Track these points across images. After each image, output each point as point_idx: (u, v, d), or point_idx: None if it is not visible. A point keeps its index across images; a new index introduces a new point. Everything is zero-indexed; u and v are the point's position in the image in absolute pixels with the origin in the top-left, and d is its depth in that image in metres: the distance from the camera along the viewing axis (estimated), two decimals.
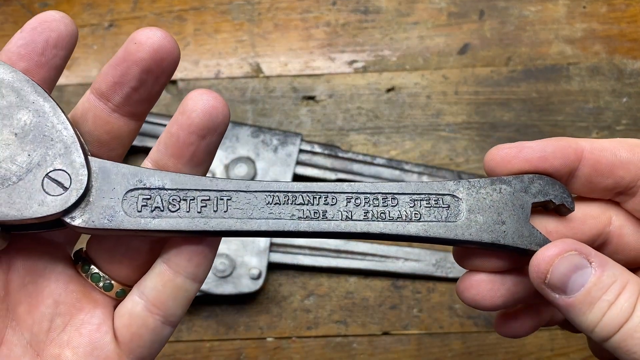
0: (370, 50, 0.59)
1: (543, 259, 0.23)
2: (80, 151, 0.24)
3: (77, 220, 0.24)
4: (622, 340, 0.22)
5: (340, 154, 0.53)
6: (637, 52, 0.58)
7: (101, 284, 0.26)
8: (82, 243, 0.28)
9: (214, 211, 0.24)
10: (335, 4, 0.60)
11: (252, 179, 0.52)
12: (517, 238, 0.25)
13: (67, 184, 0.24)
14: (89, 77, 0.58)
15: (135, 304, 0.26)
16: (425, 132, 0.56)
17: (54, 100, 0.24)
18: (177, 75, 0.58)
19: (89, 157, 0.24)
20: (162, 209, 0.24)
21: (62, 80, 0.58)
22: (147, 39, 0.24)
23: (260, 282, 0.49)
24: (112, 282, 0.26)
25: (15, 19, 0.60)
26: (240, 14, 0.60)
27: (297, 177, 0.53)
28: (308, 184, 0.25)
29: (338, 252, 0.51)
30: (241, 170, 0.52)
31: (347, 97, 0.57)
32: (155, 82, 0.25)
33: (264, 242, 0.50)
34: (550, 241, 0.25)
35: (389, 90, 0.57)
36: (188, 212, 0.24)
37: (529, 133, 0.55)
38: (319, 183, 0.25)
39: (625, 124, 0.56)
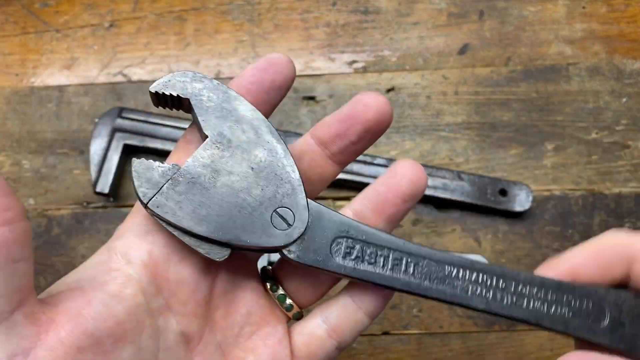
0: (370, 50, 0.59)
1: None
2: (304, 194, 0.27)
3: (293, 254, 0.27)
4: None
5: None
6: (637, 52, 0.58)
7: (285, 304, 0.30)
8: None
9: (403, 271, 0.27)
10: (335, 5, 0.60)
11: None
12: None
13: (291, 221, 0.27)
14: (89, 77, 0.58)
15: (318, 326, 0.29)
16: (425, 132, 0.56)
17: (284, 142, 0.27)
18: None
19: (308, 200, 0.27)
20: (362, 259, 0.27)
21: (62, 80, 0.58)
22: (375, 103, 0.28)
23: None
24: (293, 303, 0.30)
25: (16, 19, 0.60)
26: (240, 14, 0.60)
27: None
28: (489, 266, 0.28)
29: None
30: None
31: (347, 97, 0.57)
32: (371, 139, 0.29)
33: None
34: None
35: (389, 90, 0.57)
36: (382, 266, 0.27)
37: (528, 133, 0.56)
38: (497, 268, 0.27)
39: (624, 124, 0.56)
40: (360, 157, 0.54)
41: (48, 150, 0.56)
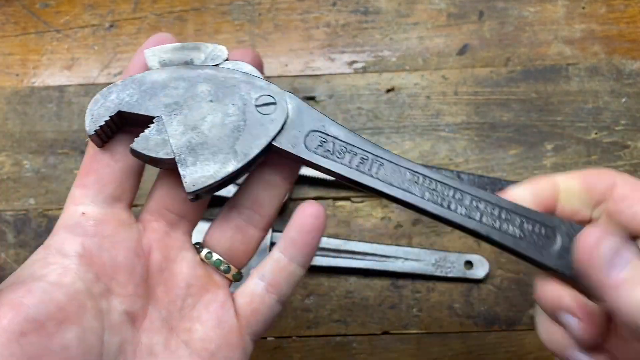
0: (370, 50, 0.59)
1: (592, 235, 0.25)
2: (278, 87, 0.31)
3: (276, 141, 0.30)
4: None
5: None
6: (636, 52, 0.58)
7: (222, 268, 0.32)
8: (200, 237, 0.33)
9: (368, 169, 0.30)
10: (335, 5, 0.60)
11: None
12: None
13: (274, 108, 0.30)
14: (90, 78, 0.58)
15: (256, 285, 0.31)
16: (424, 132, 0.56)
17: (211, 67, 0.31)
18: None
19: (289, 94, 0.31)
20: (331, 152, 0.30)
21: (62, 81, 0.58)
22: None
23: None
24: (230, 265, 0.32)
25: (17, 20, 0.60)
26: (240, 15, 0.60)
27: (298, 177, 0.53)
28: (446, 177, 0.30)
29: (338, 251, 0.51)
30: None
31: (347, 97, 0.57)
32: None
33: (264, 242, 0.50)
34: None
35: (388, 90, 0.58)
36: (349, 163, 0.30)
37: (528, 133, 0.56)
38: (454, 181, 0.30)
39: (624, 124, 0.56)
40: None
41: (49, 151, 0.56)
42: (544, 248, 0.29)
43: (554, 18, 0.59)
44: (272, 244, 0.51)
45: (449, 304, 0.52)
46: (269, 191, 0.32)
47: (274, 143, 0.29)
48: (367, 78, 0.58)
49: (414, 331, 0.51)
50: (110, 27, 0.60)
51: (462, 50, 0.59)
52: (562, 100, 0.57)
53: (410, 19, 0.60)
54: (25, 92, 0.58)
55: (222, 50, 0.32)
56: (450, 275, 0.51)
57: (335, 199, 0.54)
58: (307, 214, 0.30)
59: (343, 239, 0.52)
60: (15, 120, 0.57)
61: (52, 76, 0.59)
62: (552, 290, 0.28)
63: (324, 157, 0.30)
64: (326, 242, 0.51)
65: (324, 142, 0.30)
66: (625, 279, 0.24)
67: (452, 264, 0.52)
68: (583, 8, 0.60)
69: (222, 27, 0.60)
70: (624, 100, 0.57)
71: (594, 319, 0.27)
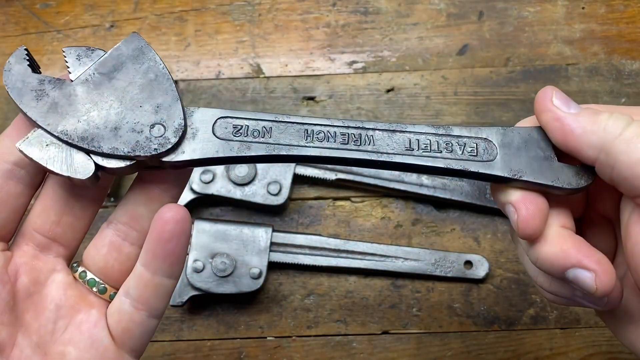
0: (370, 51, 0.59)
1: (547, 88, 0.29)
2: (179, 102, 0.29)
3: (182, 156, 0.29)
4: (631, 138, 0.26)
5: None
6: (636, 52, 0.58)
7: (95, 289, 0.30)
8: (78, 257, 0.31)
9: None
10: (335, 5, 0.61)
11: (253, 178, 0.52)
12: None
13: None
14: None
15: (122, 302, 0.29)
16: None
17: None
18: (178, 75, 0.58)
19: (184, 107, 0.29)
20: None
21: None
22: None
23: (261, 281, 0.50)
24: (106, 286, 0.30)
25: (17, 20, 0.60)
26: (240, 15, 0.60)
27: (297, 177, 0.53)
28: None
29: (338, 251, 0.51)
30: (242, 170, 0.52)
31: (347, 97, 0.57)
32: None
33: (264, 241, 0.50)
34: None
35: (388, 90, 0.58)
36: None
37: None
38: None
39: None
40: None
41: None
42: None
43: (553, 18, 0.59)
44: (272, 243, 0.51)
45: (448, 304, 0.52)
46: (149, 206, 0.30)
47: (179, 159, 0.28)
48: (367, 78, 0.58)
49: (414, 331, 0.51)
50: (110, 28, 0.60)
51: (462, 51, 0.59)
52: None
53: (410, 19, 0.60)
54: None
55: None
56: (449, 275, 0.51)
57: (335, 199, 0.55)
58: (165, 220, 0.28)
59: (343, 239, 0.52)
60: None
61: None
62: (555, 247, 0.28)
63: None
64: (326, 242, 0.51)
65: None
66: (581, 114, 0.28)
67: (451, 264, 0.52)
68: (583, 8, 0.60)
69: (222, 27, 0.60)
70: (623, 100, 0.57)
71: (608, 269, 0.26)
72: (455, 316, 0.51)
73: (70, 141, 0.27)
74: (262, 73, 0.58)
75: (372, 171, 0.53)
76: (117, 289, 0.30)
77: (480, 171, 0.29)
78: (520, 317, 0.51)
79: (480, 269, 0.51)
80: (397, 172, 0.54)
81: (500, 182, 0.29)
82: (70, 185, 0.29)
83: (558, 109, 0.28)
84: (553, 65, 0.58)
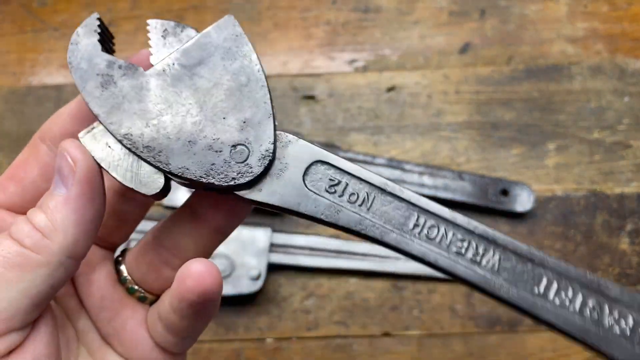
0: (370, 49, 0.58)
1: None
2: (272, 125, 0.23)
3: (258, 195, 0.23)
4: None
5: (340, 154, 0.53)
6: (639, 51, 0.57)
7: (135, 296, 0.28)
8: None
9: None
10: (335, 3, 0.60)
11: None
12: None
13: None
14: None
15: (155, 323, 0.27)
16: (425, 131, 0.56)
17: None
18: None
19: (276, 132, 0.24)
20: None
21: (60, 80, 0.58)
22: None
23: (260, 282, 0.49)
24: (146, 295, 0.28)
25: (14, 18, 0.60)
26: (240, 13, 0.60)
27: None
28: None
29: (338, 252, 0.51)
30: None
31: (347, 96, 0.57)
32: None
33: (263, 242, 0.50)
34: None
35: (389, 89, 0.57)
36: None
37: (530, 133, 0.55)
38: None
39: (627, 123, 0.55)
40: (361, 157, 0.53)
41: None
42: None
43: (556, 16, 0.59)
44: (272, 244, 0.50)
45: (450, 305, 0.51)
46: (194, 239, 0.27)
47: (254, 198, 0.23)
48: (367, 77, 0.57)
49: (415, 333, 0.51)
50: (108, 25, 0.59)
51: (464, 49, 0.58)
52: (564, 99, 0.56)
53: (411, 17, 0.59)
54: (23, 91, 0.57)
55: None
56: None
57: None
58: (186, 288, 0.24)
59: (343, 240, 0.51)
60: (12, 119, 0.57)
61: (49, 75, 0.58)
62: None
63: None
64: (326, 242, 0.51)
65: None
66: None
67: None
68: (585, 6, 0.59)
69: None
70: (626, 99, 0.56)
71: None
72: (457, 318, 0.51)
73: (133, 149, 0.22)
74: None
75: (373, 171, 0.53)
76: (159, 296, 0.28)
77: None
78: (523, 318, 0.51)
79: None
80: (397, 172, 0.53)
81: None
82: (120, 187, 0.26)
83: None
84: (556, 64, 0.57)
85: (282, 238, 0.51)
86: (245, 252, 0.49)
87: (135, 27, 0.59)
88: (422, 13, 0.59)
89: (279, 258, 0.50)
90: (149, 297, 0.28)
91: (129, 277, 0.28)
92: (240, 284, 0.49)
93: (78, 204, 0.22)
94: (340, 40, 0.59)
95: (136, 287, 0.28)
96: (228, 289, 0.49)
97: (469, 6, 0.59)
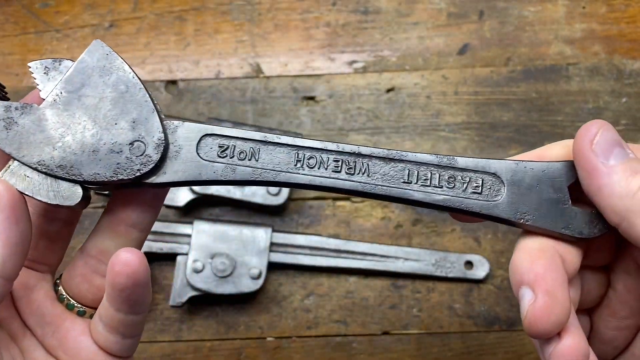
0: (370, 50, 0.59)
1: (593, 125, 0.26)
2: (157, 117, 0.27)
3: (162, 178, 0.27)
4: None
5: None
6: (637, 52, 0.58)
7: (74, 311, 0.30)
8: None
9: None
10: (335, 5, 0.60)
11: None
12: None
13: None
14: None
15: (97, 324, 0.29)
16: (425, 132, 0.56)
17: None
18: (178, 75, 0.58)
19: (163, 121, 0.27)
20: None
21: None
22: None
23: (261, 281, 0.49)
24: (84, 309, 0.30)
25: (16, 19, 0.60)
26: (240, 14, 0.60)
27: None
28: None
29: (338, 251, 0.51)
30: None
31: (347, 97, 0.57)
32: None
33: (264, 242, 0.50)
34: None
35: (388, 90, 0.57)
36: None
37: (528, 133, 0.56)
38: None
39: (624, 124, 0.56)
40: None
41: None
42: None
43: (554, 18, 0.59)
44: (272, 244, 0.51)
45: (449, 304, 0.52)
46: (115, 241, 0.29)
47: (159, 181, 0.27)
48: (367, 78, 0.58)
49: (414, 331, 0.51)
50: (109, 27, 0.60)
51: (463, 50, 0.58)
52: (562, 100, 0.56)
53: (411, 18, 0.60)
54: (25, 92, 0.58)
55: None
56: (450, 275, 0.51)
57: (335, 199, 0.54)
58: (116, 272, 0.26)
59: (343, 239, 0.52)
60: None
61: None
62: (518, 261, 0.26)
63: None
64: (326, 242, 0.51)
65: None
66: (619, 167, 0.24)
67: (452, 264, 0.51)
68: (583, 8, 0.59)
69: (221, 26, 0.60)
70: (624, 100, 0.56)
71: (553, 303, 0.24)
72: (455, 316, 0.51)
73: (48, 172, 0.26)
74: (262, 73, 0.58)
75: None
76: (96, 309, 0.30)
77: (483, 212, 0.27)
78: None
79: (481, 270, 0.51)
80: None
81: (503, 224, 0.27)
82: (44, 210, 0.29)
83: (594, 157, 0.25)
84: (554, 65, 0.57)
85: (282, 237, 0.51)
86: (246, 251, 0.50)
87: (137, 28, 0.60)
88: (421, 14, 0.60)
89: (280, 257, 0.51)
90: (87, 311, 0.30)
91: (65, 295, 0.30)
92: (241, 283, 0.49)
93: (4, 226, 0.25)
94: (340, 41, 0.59)
95: (74, 303, 0.30)
96: (229, 288, 0.49)
97: (468, 8, 0.60)
